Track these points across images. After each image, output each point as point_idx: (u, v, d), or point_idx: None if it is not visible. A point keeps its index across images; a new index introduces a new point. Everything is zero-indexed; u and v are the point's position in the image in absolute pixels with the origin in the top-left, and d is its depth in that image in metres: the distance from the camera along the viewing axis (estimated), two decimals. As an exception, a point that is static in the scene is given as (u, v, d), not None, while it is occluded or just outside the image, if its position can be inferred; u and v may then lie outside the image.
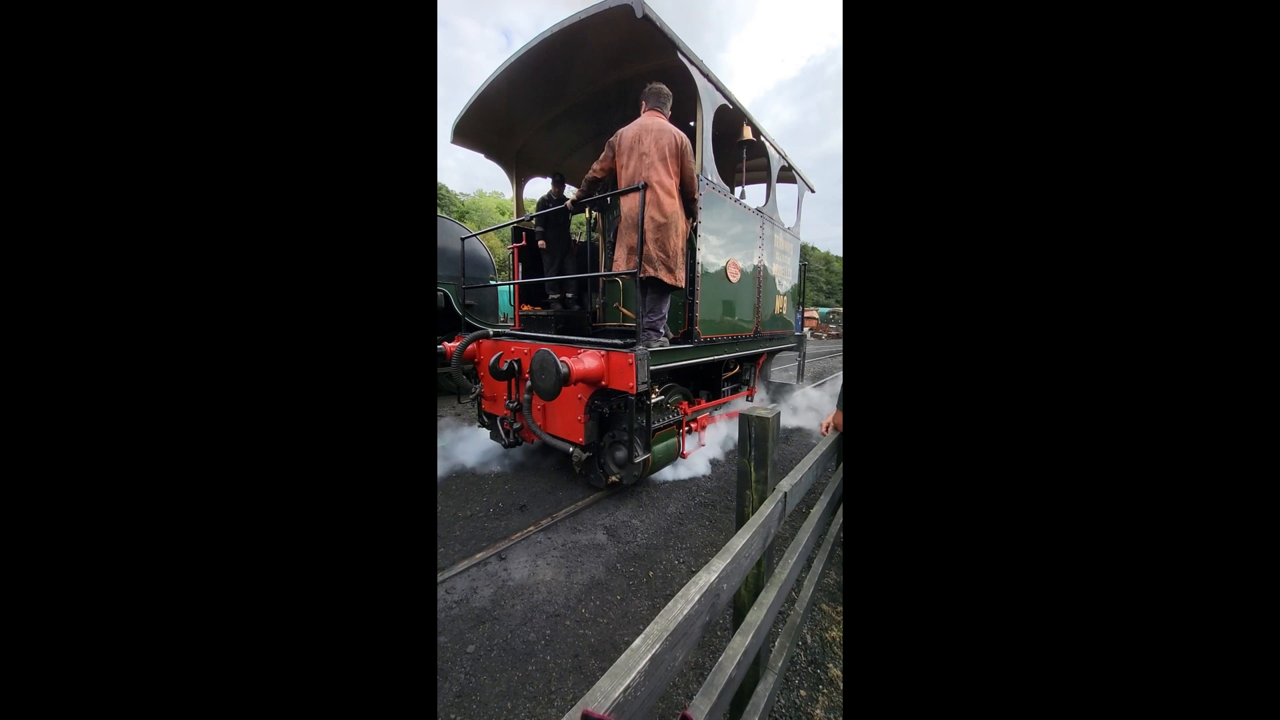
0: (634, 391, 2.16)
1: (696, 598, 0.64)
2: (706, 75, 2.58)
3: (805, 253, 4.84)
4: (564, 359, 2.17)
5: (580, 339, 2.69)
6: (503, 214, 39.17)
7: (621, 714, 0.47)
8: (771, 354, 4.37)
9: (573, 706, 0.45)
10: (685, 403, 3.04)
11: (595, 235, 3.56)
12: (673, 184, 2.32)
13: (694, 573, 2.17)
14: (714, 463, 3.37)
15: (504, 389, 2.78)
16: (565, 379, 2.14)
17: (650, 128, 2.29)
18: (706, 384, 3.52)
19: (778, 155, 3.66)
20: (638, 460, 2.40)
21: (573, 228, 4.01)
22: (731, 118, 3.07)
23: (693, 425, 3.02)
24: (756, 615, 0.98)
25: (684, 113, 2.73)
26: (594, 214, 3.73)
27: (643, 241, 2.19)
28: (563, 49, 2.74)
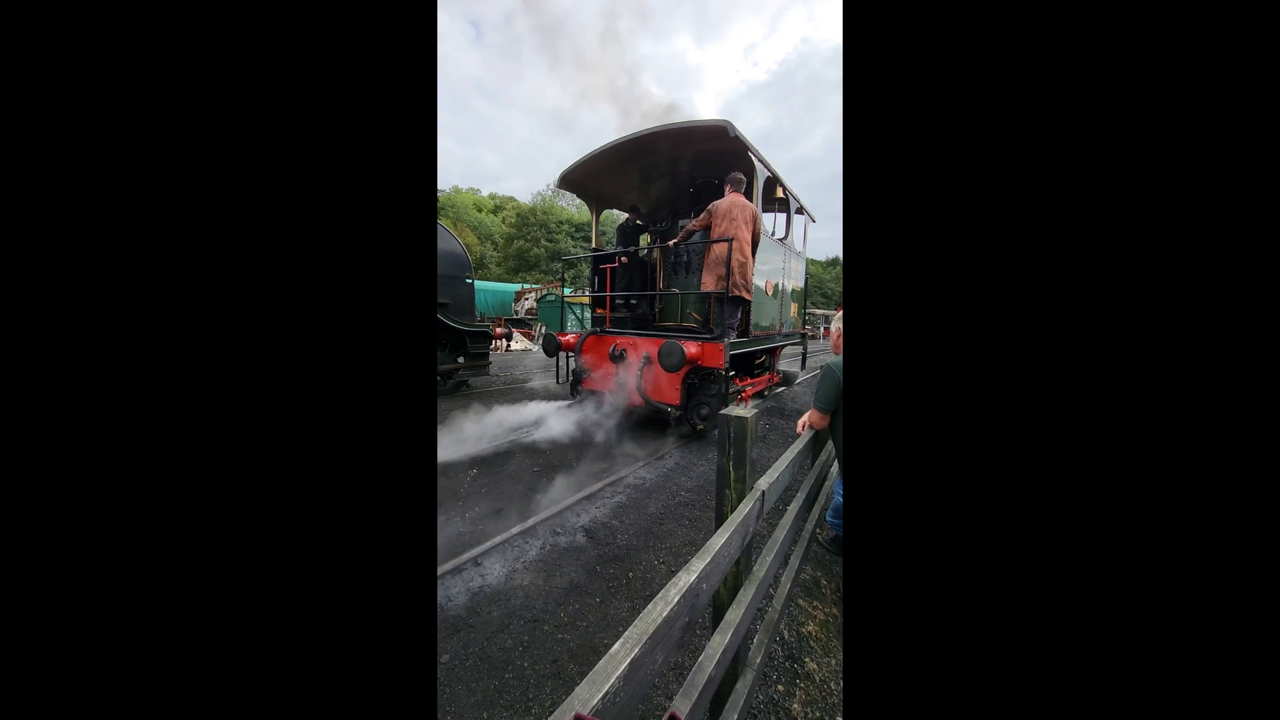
0: (722, 368, 3.49)
1: (676, 599, 0.64)
2: (761, 160, 3.98)
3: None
4: (683, 345, 3.39)
5: (685, 334, 3.96)
6: (479, 210, 38.66)
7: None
8: (784, 347, 5.96)
9: (552, 713, 0.44)
10: (738, 378, 4.44)
11: (654, 256, 4.98)
12: (747, 237, 3.73)
13: (674, 573, 2.17)
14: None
15: (607, 370, 4.08)
16: (684, 358, 3.36)
17: (737, 203, 3.68)
18: (743, 368, 4.83)
19: (794, 200, 5.17)
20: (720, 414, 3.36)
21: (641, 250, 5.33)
22: (770, 180, 4.50)
23: (742, 395, 4.42)
24: (735, 614, 0.99)
25: (732, 165, 4.29)
26: (654, 238, 5.30)
27: (729, 273, 3.55)
28: (655, 138, 4.22)
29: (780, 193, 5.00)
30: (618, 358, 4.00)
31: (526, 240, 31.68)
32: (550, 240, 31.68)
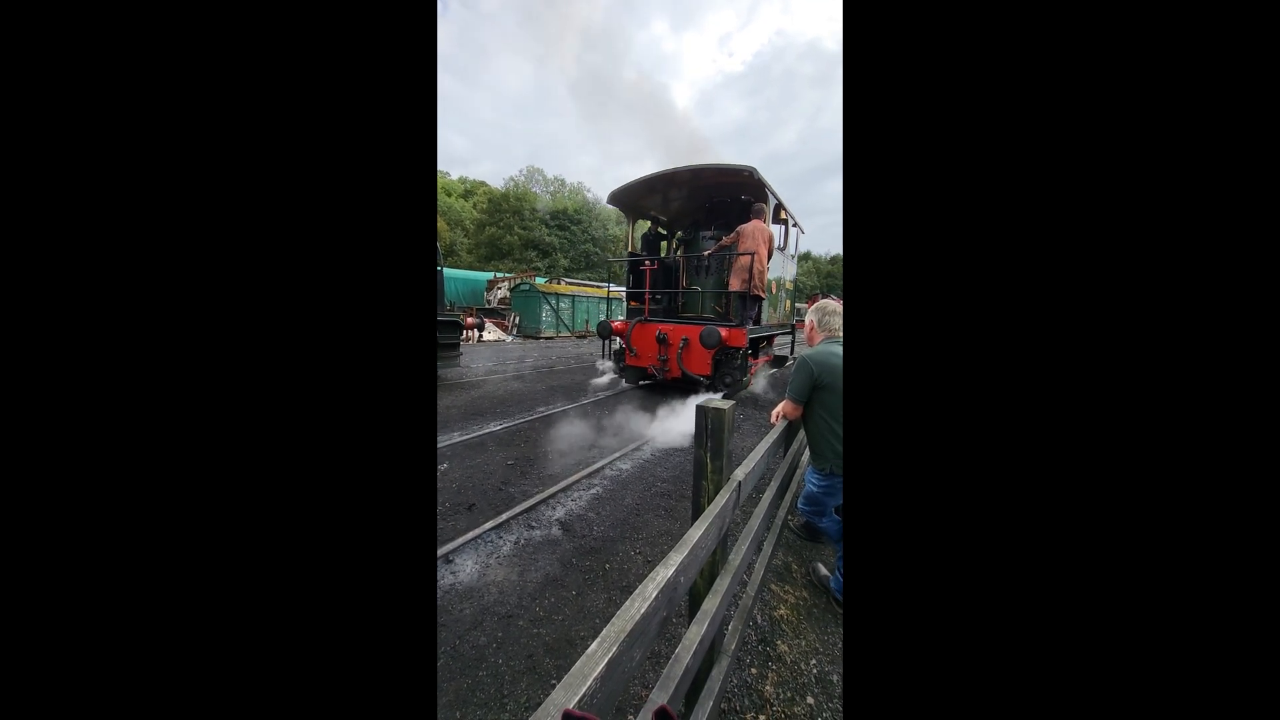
0: (744, 346, 4.81)
1: (654, 594, 0.63)
2: (773, 193, 5.29)
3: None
4: (719, 330, 4.59)
5: (713, 322, 5.18)
6: (449, 195, 37.29)
7: None
8: (779, 335, 7.49)
9: (529, 710, 0.42)
10: (750, 356, 5.55)
11: (678, 257, 6.50)
12: (765, 253, 4.99)
13: (651, 564, 2.17)
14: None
15: (651, 350, 5.26)
16: (720, 339, 4.56)
17: (759, 227, 4.94)
18: (753, 348, 5.83)
19: (791, 217, 6.64)
20: (741, 381, 5.08)
21: (663, 254, 6.76)
22: (776, 205, 5.70)
23: (751, 369, 5.62)
24: (712, 603, 1.00)
25: (743, 190, 5.82)
26: (678, 245, 6.94)
27: (751, 277, 4.86)
28: (689, 171, 5.45)
29: (783, 214, 6.56)
30: (662, 340, 5.19)
31: (499, 227, 30.71)
32: (524, 228, 30.85)
